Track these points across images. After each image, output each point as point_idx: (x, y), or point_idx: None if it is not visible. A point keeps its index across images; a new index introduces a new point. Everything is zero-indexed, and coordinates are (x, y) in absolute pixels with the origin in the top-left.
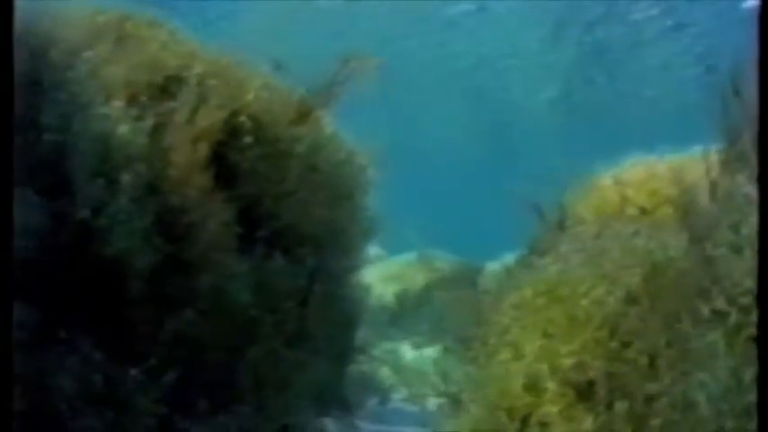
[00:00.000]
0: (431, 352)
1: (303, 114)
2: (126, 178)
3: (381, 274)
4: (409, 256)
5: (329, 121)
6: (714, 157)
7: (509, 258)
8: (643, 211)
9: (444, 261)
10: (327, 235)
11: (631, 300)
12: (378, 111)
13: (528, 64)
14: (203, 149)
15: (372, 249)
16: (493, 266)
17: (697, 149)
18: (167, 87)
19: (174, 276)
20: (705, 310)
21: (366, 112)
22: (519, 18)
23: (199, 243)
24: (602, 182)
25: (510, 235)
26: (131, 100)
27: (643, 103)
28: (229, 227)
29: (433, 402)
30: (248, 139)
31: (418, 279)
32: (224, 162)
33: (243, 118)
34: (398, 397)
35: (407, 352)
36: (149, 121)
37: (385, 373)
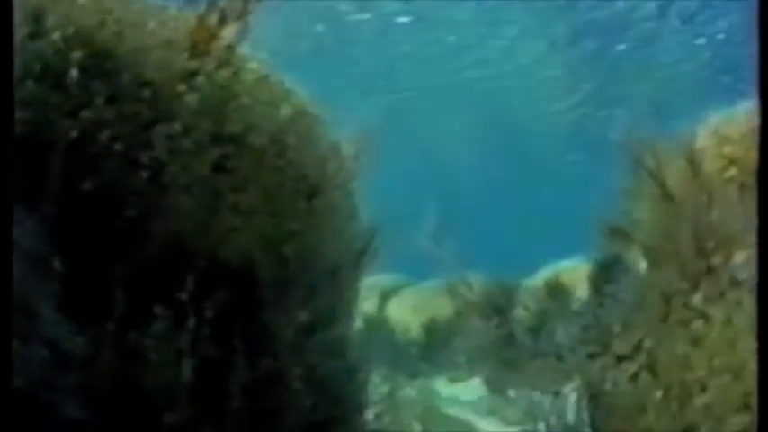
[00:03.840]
0: (470, 386)
1: (202, 39)
2: None
3: (406, 305)
4: (435, 282)
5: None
6: None
7: (544, 274)
8: None
9: (475, 283)
10: (265, 268)
11: None
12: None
13: (533, 70)
14: None
15: (394, 277)
16: (530, 283)
17: None
18: None
19: None
20: None
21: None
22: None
23: None
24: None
25: (540, 249)
26: None
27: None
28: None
29: None
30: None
31: (448, 306)
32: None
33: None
34: None
35: (443, 388)
36: None
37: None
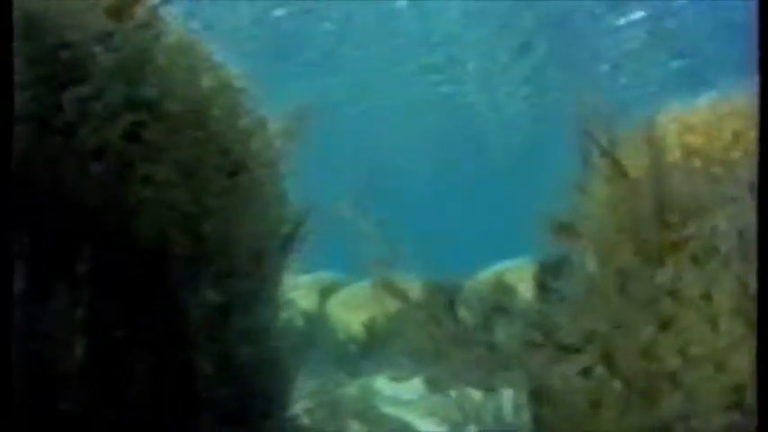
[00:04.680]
0: (411, 386)
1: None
2: None
3: (346, 302)
4: (376, 280)
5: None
6: None
7: (487, 274)
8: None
9: (416, 282)
10: (178, 245)
11: None
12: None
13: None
14: None
15: (334, 275)
16: (471, 285)
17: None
18: None
19: None
20: None
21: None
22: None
23: None
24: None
25: (484, 251)
26: None
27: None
28: None
29: None
30: None
31: (389, 304)
32: None
33: None
34: None
35: (386, 387)
36: None
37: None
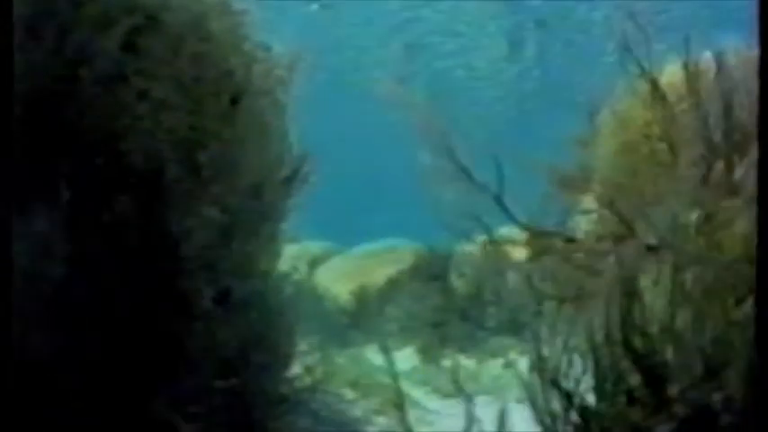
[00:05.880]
0: (404, 355)
1: None
2: None
3: (335, 272)
4: (366, 249)
5: None
6: None
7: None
8: None
9: (406, 251)
10: (174, 169)
11: None
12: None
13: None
14: None
15: (322, 244)
16: (464, 251)
17: None
18: None
19: None
20: None
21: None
22: None
23: None
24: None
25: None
26: None
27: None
28: None
29: None
30: None
31: (378, 274)
32: None
33: None
34: None
35: (375, 357)
36: None
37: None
